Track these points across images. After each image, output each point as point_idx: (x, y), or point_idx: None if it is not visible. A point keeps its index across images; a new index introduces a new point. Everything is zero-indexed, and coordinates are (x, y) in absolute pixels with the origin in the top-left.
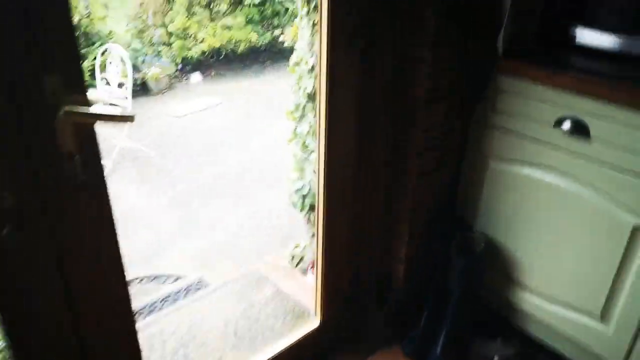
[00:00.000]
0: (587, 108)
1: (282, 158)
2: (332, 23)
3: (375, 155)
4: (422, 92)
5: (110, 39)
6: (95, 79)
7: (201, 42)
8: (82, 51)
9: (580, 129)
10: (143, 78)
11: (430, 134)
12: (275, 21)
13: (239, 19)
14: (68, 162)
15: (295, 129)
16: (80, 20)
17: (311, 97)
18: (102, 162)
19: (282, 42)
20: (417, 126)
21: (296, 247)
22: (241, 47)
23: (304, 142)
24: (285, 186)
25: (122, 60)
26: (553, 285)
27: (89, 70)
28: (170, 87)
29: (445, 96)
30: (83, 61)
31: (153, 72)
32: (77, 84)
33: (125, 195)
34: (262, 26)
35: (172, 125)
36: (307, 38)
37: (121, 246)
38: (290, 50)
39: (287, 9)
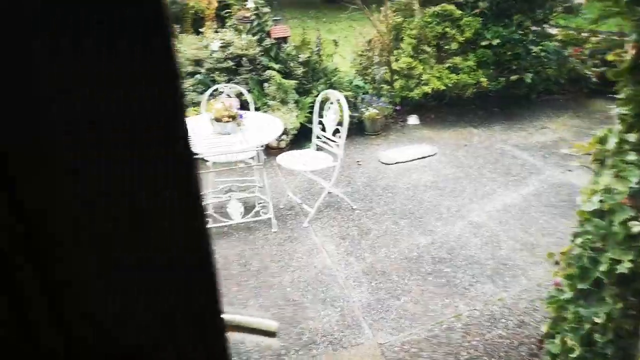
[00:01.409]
0: None
1: (504, 242)
2: None
3: None
4: None
5: (335, 75)
6: (313, 116)
7: (424, 84)
8: (307, 87)
9: None
10: (360, 117)
11: None
12: (514, 65)
13: (470, 62)
14: None
15: (573, 303)
16: (310, 56)
17: (626, 282)
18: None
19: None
20: None
21: None
22: (468, 92)
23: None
24: (512, 285)
25: (340, 106)
26: None
27: (309, 107)
28: (385, 128)
29: None
30: (306, 97)
31: (370, 112)
32: None
33: (322, 252)
34: (497, 69)
35: (380, 174)
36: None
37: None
38: (526, 98)
39: (529, 51)
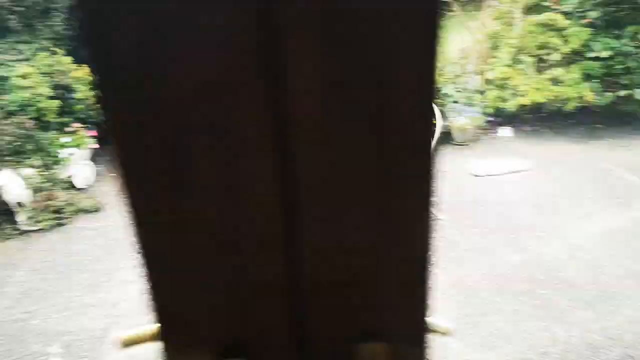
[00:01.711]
0: None
1: (607, 268)
2: None
3: None
4: None
5: None
6: None
7: (521, 95)
8: None
9: None
10: (448, 126)
11: None
12: (624, 80)
13: (574, 74)
14: None
15: None
16: None
17: None
18: None
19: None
20: None
21: None
22: (569, 105)
23: None
24: (615, 315)
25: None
26: None
27: None
28: (474, 139)
29: None
30: None
31: (460, 122)
32: None
33: None
34: (604, 83)
35: (469, 186)
36: None
37: None
38: (634, 116)
39: None
